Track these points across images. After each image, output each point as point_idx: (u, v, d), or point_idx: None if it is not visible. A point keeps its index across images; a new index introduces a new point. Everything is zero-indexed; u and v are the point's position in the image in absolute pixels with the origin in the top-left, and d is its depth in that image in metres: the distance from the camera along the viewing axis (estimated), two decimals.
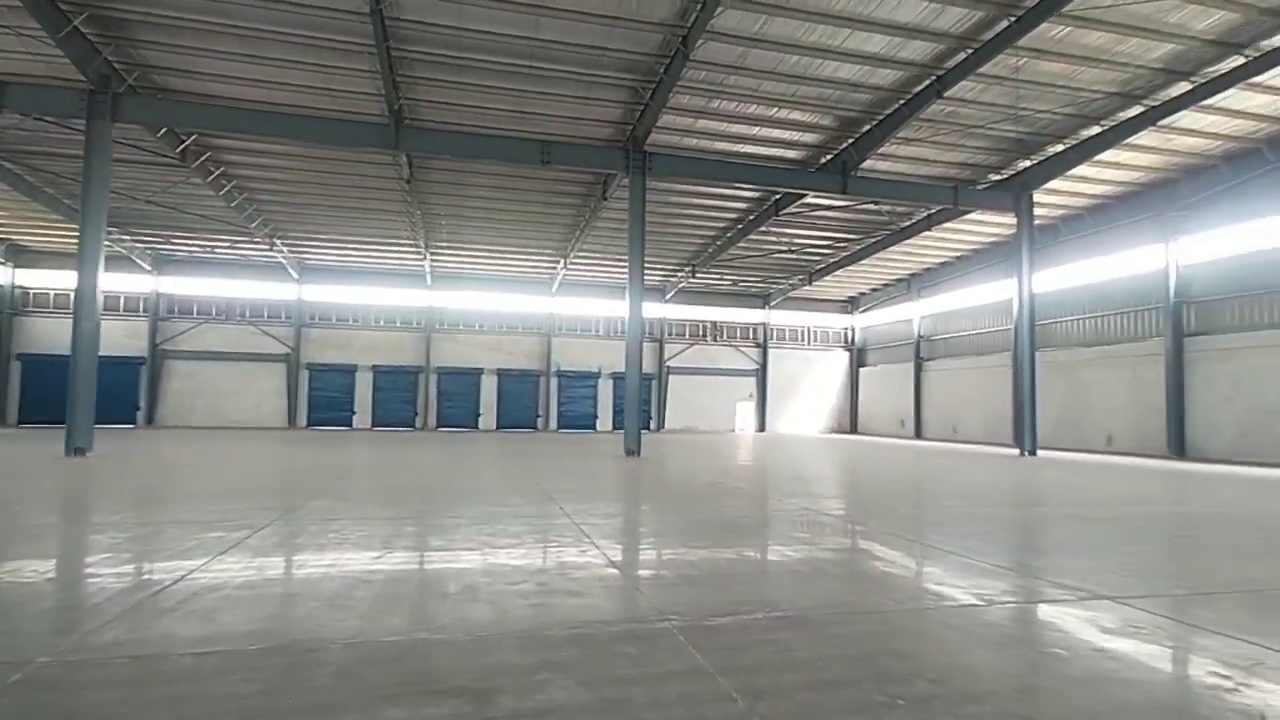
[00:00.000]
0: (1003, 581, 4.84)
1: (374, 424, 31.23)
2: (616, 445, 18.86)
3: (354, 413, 31.23)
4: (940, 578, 4.92)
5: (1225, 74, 14.97)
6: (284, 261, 29.44)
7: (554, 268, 30.95)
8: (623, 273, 26.00)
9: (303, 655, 3.11)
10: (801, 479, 12.16)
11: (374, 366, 31.62)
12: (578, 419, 33.67)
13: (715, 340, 36.12)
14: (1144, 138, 18.01)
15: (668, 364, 35.12)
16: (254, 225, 24.64)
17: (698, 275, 31.40)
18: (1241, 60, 14.62)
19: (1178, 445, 20.57)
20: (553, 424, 33.39)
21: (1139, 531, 7.27)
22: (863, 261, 29.61)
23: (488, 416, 32.61)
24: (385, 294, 32.15)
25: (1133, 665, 3.25)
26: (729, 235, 26.04)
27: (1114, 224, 22.92)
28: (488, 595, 4.12)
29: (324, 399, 31.08)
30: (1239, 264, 19.69)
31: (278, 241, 27.16)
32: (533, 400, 33.34)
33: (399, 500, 8.58)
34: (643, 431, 18.08)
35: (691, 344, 35.69)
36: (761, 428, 36.13)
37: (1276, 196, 18.69)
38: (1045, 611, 4.10)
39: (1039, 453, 20.28)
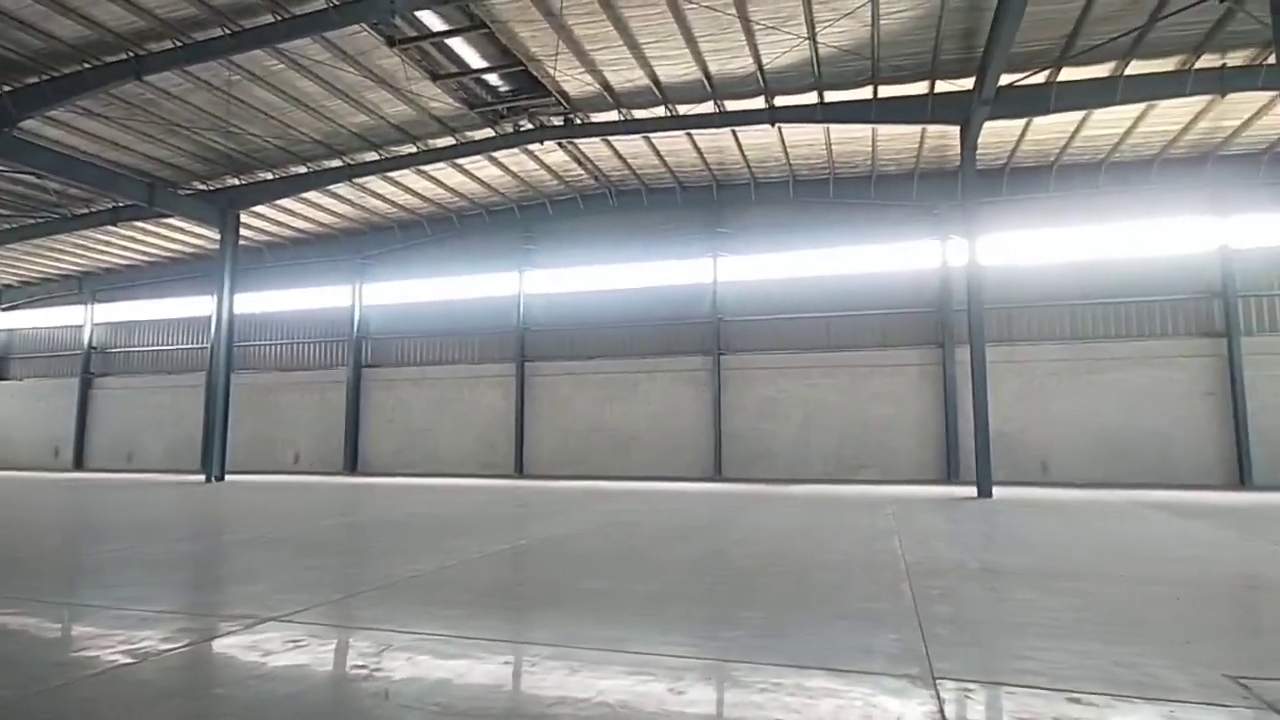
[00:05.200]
0: (164, 628, 4.25)
1: None
2: None
3: None
4: (84, 642, 3.98)
5: (403, 156, 18.26)
6: None
7: None
8: None
9: None
10: None
11: None
12: None
13: None
14: (343, 189, 20.27)
15: None
16: None
17: None
18: (414, 149, 18.12)
19: (352, 462, 23.48)
20: None
21: (311, 546, 7.74)
22: (12, 245, 23.36)
23: None
24: None
25: (292, 679, 3.27)
26: None
27: (315, 260, 24.86)
28: None
29: None
30: (400, 311, 24.19)
31: None
32: None
33: None
34: None
35: None
36: None
37: (427, 263, 23.86)
38: (208, 650, 3.76)
39: (228, 477, 19.81)
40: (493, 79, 15.55)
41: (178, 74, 14.24)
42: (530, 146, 18.17)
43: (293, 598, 4.89)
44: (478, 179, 20.57)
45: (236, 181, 19.91)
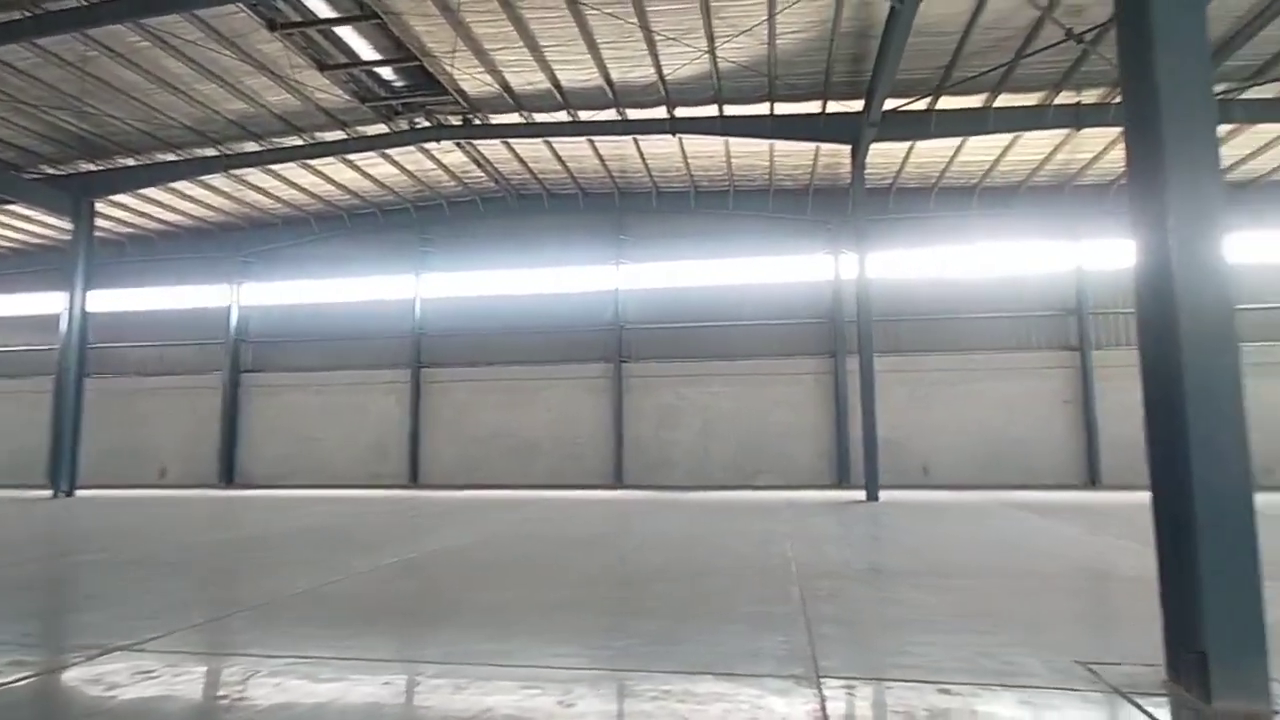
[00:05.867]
0: None
1: None
2: None
3: None
4: None
5: (287, 148, 17.27)
6: None
7: None
8: None
9: None
10: None
11: None
12: None
13: None
14: (218, 181, 18.93)
15: None
16: None
17: None
18: (300, 141, 17.18)
19: (228, 474, 21.91)
20: None
21: (173, 566, 7.12)
22: None
23: None
24: None
25: (140, 714, 2.95)
26: None
27: (187, 256, 23.11)
28: None
29: None
30: (286, 313, 22.83)
31: None
32: None
33: None
34: None
35: None
36: None
37: (315, 262, 22.68)
38: (45, 685, 3.35)
39: (81, 492, 18.02)
40: (386, 73, 14.94)
41: (25, 47, 12.82)
42: (427, 145, 17.59)
43: (147, 624, 4.45)
44: (371, 176, 19.72)
45: (92, 167, 18.12)
